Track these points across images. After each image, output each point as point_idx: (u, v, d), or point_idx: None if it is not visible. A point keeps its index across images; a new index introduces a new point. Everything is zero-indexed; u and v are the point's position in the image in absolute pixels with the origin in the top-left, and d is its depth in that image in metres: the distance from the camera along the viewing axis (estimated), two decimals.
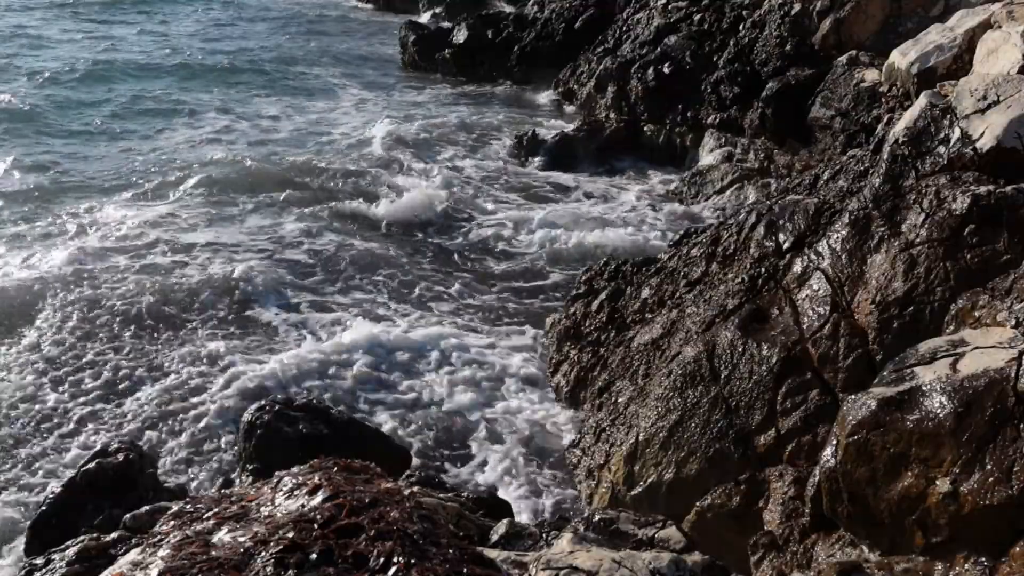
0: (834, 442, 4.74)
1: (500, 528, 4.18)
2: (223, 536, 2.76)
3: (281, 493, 2.99)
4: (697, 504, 5.85)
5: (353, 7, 28.41)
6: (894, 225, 5.89)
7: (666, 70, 14.07)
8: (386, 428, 7.38)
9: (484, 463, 7.19)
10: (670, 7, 15.22)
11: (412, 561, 2.60)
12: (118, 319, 8.99)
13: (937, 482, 4.30)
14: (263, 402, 6.65)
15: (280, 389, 7.84)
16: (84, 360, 8.30)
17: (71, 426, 7.44)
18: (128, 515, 4.37)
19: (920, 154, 6.12)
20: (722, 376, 6.11)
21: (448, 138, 14.97)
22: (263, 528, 2.74)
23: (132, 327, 8.90)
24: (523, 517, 6.11)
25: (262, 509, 2.92)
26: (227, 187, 12.40)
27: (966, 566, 4.17)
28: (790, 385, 5.81)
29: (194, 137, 14.79)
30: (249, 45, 21.63)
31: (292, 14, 26.28)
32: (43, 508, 5.76)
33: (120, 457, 5.96)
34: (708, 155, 13.10)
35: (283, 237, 10.97)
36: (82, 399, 7.78)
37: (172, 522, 3.01)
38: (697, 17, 14.52)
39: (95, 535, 4.28)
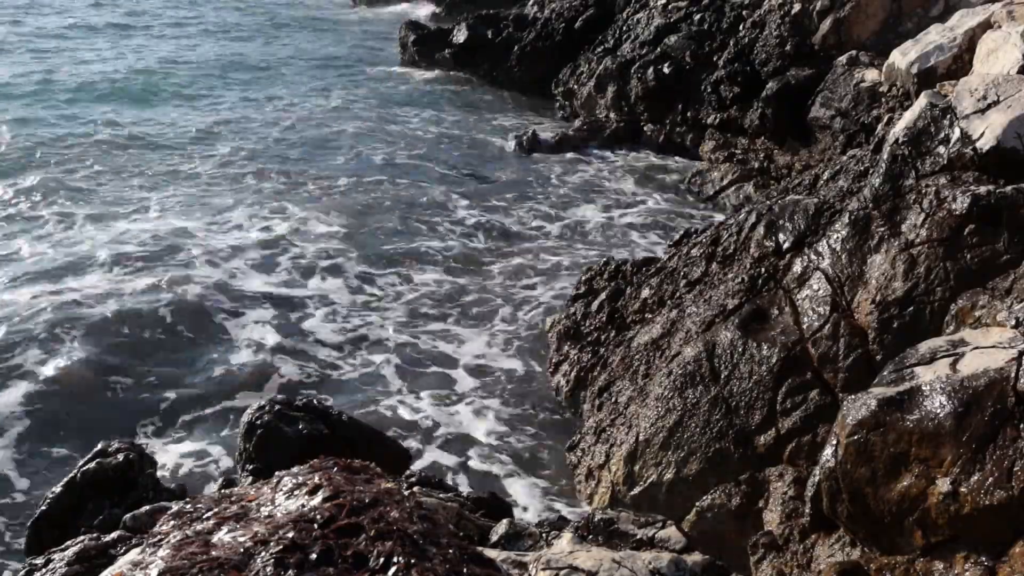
0: (834, 442, 4.74)
1: (500, 528, 4.19)
2: (223, 536, 2.75)
3: (281, 493, 2.98)
4: (697, 504, 5.85)
5: (346, 3, 28.45)
6: (894, 225, 5.88)
7: (666, 70, 14.08)
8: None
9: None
10: (670, 7, 15.22)
11: (412, 561, 2.60)
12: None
13: (937, 482, 4.29)
14: (263, 402, 6.63)
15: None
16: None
17: (70, 425, 7.44)
18: (128, 515, 4.36)
19: (920, 154, 6.12)
20: (722, 376, 6.11)
21: (446, 138, 14.97)
22: (263, 528, 2.74)
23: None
24: (523, 517, 6.10)
25: (262, 509, 2.91)
26: None
27: (966, 566, 4.17)
28: (790, 385, 5.81)
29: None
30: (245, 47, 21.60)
31: (287, 13, 26.27)
32: (43, 508, 5.75)
33: (120, 457, 5.94)
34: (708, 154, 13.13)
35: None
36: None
37: (172, 522, 3.00)
38: (697, 17, 14.53)
39: (95, 535, 4.27)
